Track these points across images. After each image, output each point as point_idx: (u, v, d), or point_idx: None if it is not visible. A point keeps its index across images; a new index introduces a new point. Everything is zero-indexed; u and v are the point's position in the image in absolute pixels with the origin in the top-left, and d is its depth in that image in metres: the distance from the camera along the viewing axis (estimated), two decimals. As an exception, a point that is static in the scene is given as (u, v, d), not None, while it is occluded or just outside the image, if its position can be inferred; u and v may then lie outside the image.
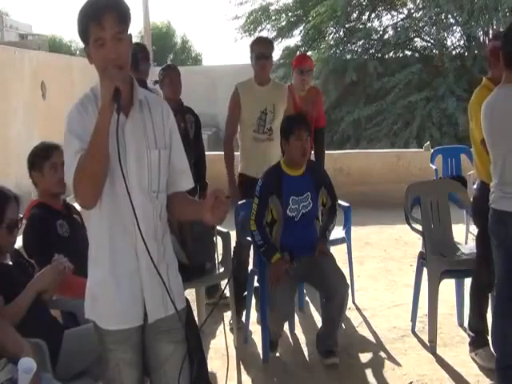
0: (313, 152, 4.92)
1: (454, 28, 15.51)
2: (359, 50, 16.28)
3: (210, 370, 3.51)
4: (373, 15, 16.88)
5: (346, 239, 4.77)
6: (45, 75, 10.63)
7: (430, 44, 16.36)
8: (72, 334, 2.78)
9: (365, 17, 16.87)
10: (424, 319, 4.27)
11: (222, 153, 4.63)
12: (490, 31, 14.43)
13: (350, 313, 4.63)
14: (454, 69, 14.72)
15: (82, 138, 1.99)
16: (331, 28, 16.54)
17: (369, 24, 16.78)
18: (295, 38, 17.17)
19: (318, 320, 4.41)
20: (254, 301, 4.37)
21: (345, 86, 15.63)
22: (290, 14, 17.22)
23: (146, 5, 9.33)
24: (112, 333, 2.15)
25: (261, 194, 3.85)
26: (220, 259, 3.83)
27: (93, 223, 2.16)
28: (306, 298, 4.91)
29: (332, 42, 16.51)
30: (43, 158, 3.22)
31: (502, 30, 10.56)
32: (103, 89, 1.98)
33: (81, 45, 2.15)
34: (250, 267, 4.44)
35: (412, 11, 16.49)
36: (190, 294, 3.89)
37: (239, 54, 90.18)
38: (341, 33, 16.72)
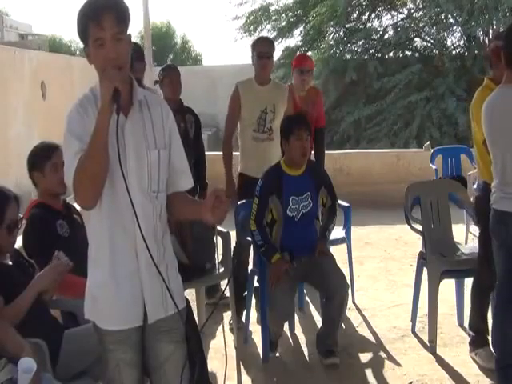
0: (313, 152, 4.92)
1: (454, 28, 15.52)
2: (359, 50, 16.29)
3: (209, 369, 3.51)
4: (373, 15, 16.89)
5: (346, 239, 4.77)
6: (45, 75, 10.64)
7: (430, 44, 16.37)
8: (72, 334, 2.78)
9: (365, 17, 16.88)
10: (424, 319, 4.27)
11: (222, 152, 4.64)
12: (490, 31, 14.43)
13: (350, 313, 4.63)
14: (453, 69, 14.73)
15: (82, 138, 1.99)
16: (331, 28, 16.53)
17: (369, 24, 16.79)
18: (295, 38, 17.20)
19: (318, 320, 4.41)
20: (254, 301, 4.37)
21: (345, 86, 15.63)
22: (290, 14, 17.21)
23: (145, 5, 9.33)
24: (112, 333, 2.15)
25: (261, 194, 3.85)
26: (220, 259, 3.83)
27: (93, 223, 2.16)
28: (306, 298, 4.91)
29: (332, 42, 16.51)
30: (44, 158, 3.22)
31: (502, 30, 10.57)
32: (103, 89, 1.98)
33: (81, 45, 2.14)
34: (250, 267, 4.44)
35: (412, 11, 16.50)
36: (190, 294, 3.89)
37: (239, 54, 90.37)
38: (341, 33, 16.72)
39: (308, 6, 16.59)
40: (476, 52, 14.84)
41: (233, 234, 4.13)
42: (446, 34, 15.85)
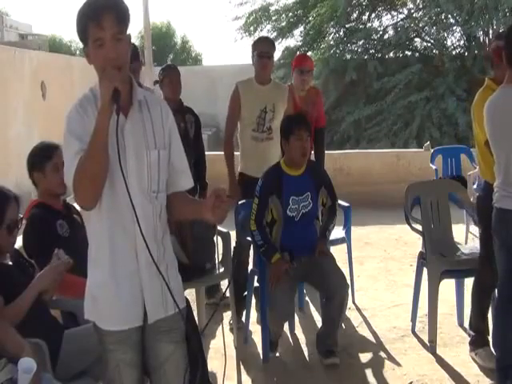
0: (313, 152, 4.92)
1: (454, 28, 15.51)
2: (359, 50, 16.28)
3: (209, 369, 3.52)
4: (373, 15, 16.87)
5: (346, 239, 4.77)
6: (45, 75, 10.65)
7: (430, 44, 16.35)
8: (72, 334, 2.78)
9: (365, 17, 16.87)
10: (424, 319, 4.27)
11: (222, 153, 4.63)
12: (490, 31, 14.43)
13: (350, 313, 4.63)
14: (453, 69, 14.72)
15: (82, 138, 1.99)
16: (331, 28, 16.51)
17: (369, 24, 16.77)
18: (295, 39, 17.17)
19: (318, 320, 4.41)
20: (254, 301, 4.37)
21: (345, 86, 15.62)
22: (290, 14, 17.19)
23: (145, 5, 9.31)
24: (112, 333, 2.15)
25: (261, 194, 3.85)
26: (220, 259, 3.82)
27: (93, 223, 2.16)
28: (306, 298, 4.91)
29: (332, 42, 16.49)
30: (44, 158, 3.22)
31: (502, 30, 10.57)
32: (102, 89, 1.98)
33: (81, 45, 2.14)
34: (250, 267, 4.44)
35: (412, 11, 16.49)
36: (190, 293, 3.89)
37: (239, 54, 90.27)
38: (341, 33, 16.70)
39: (308, 6, 16.58)
40: (476, 52, 14.84)
41: (233, 234, 4.13)
42: (446, 34, 15.85)
